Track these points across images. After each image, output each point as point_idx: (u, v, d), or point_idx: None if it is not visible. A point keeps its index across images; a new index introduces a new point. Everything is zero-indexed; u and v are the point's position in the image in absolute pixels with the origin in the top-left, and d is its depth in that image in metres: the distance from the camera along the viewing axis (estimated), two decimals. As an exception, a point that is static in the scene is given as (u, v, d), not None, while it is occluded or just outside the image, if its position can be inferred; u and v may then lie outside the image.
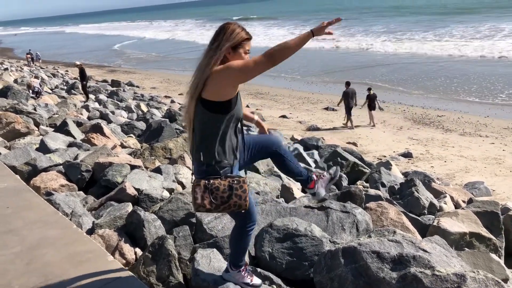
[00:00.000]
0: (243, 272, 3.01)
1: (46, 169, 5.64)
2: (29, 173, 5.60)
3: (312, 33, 2.51)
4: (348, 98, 15.21)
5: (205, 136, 2.63)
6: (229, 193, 2.60)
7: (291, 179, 6.29)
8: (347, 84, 15.77)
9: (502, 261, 4.21)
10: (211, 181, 2.60)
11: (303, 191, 6.33)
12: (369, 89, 15.72)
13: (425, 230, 4.70)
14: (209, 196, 2.60)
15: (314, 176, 3.09)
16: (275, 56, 2.44)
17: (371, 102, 15.28)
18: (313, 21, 58.46)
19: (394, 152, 11.86)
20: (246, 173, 2.88)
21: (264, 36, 45.05)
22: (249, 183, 2.90)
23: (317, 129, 14.81)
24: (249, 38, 2.65)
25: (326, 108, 17.72)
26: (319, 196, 3.11)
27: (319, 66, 27.92)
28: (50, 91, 18.43)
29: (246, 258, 3.38)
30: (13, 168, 5.61)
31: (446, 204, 6.11)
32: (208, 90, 2.54)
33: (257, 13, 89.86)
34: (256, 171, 6.24)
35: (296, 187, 5.97)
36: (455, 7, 56.60)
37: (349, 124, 15.22)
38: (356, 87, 16.19)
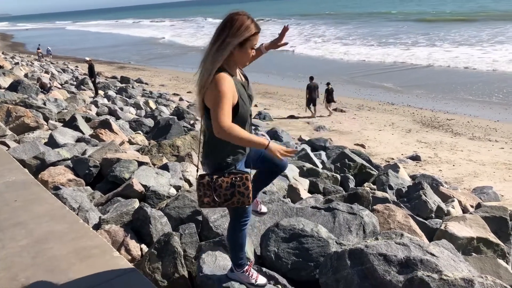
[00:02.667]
0: (247, 273, 3.00)
1: (54, 164, 5.67)
2: (38, 167, 5.63)
3: (267, 145, 2.45)
4: (310, 91, 17.12)
5: (212, 135, 2.58)
6: (231, 190, 2.58)
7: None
8: (311, 78, 17.65)
9: (509, 267, 4.17)
10: (214, 178, 2.59)
11: (309, 192, 6.31)
12: (328, 84, 17.48)
13: (432, 234, 4.67)
14: (212, 193, 2.59)
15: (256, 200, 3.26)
16: (227, 136, 2.38)
17: (329, 95, 17.19)
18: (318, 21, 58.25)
19: (402, 154, 11.78)
20: (250, 169, 2.81)
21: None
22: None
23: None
24: (257, 32, 2.51)
25: (335, 109, 17.67)
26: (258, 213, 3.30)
27: (328, 70, 27.88)
28: (60, 86, 18.54)
29: (252, 257, 3.38)
30: (22, 162, 5.65)
31: (454, 208, 6.06)
32: (206, 97, 2.49)
33: (264, 13, 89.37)
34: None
35: (302, 188, 5.95)
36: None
37: (312, 113, 17.22)
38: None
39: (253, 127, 2.84)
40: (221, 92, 2.40)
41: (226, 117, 2.38)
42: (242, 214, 2.84)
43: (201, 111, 2.60)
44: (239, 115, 2.56)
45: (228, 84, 2.45)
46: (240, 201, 2.62)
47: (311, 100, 17.19)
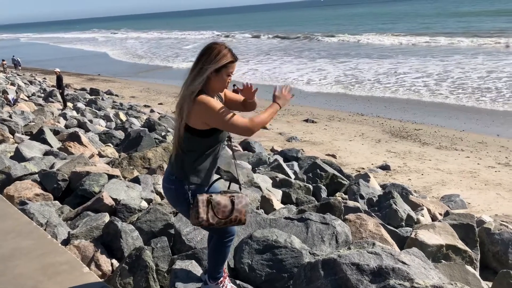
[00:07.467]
0: (221, 284, 2.98)
1: (20, 178, 5.51)
2: (3, 181, 5.45)
3: (279, 106, 2.69)
4: None
5: (185, 151, 2.64)
6: (230, 207, 2.63)
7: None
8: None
9: (477, 273, 4.27)
10: (213, 196, 2.63)
11: (282, 202, 6.33)
12: (233, 85, 19.49)
13: (402, 242, 4.74)
14: (211, 210, 2.60)
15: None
16: (256, 128, 2.58)
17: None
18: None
19: (372, 164, 11.97)
20: (241, 189, 2.91)
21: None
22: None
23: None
24: (233, 60, 2.61)
25: (306, 120, 17.84)
26: None
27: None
28: (27, 99, 18.09)
29: (226, 270, 3.35)
30: (-14, 177, 5.47)
31: (423, 216, 6.18)
32: (190, 118, 2.55)
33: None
34: (236, 182, 6.22)
35: (275, 199, 5.96)
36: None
37: None
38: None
39: (224, 145, 2.87)
40: (212, 106, 2.52)
41: (239, 119, 2.53)
42: (228, 232, 2.85)
43: (181, 132, 2.61)
44: (218, 137, 2.65)
45: (214, 101, 2.57)
46: (237, 219, 2.67)
47: None
